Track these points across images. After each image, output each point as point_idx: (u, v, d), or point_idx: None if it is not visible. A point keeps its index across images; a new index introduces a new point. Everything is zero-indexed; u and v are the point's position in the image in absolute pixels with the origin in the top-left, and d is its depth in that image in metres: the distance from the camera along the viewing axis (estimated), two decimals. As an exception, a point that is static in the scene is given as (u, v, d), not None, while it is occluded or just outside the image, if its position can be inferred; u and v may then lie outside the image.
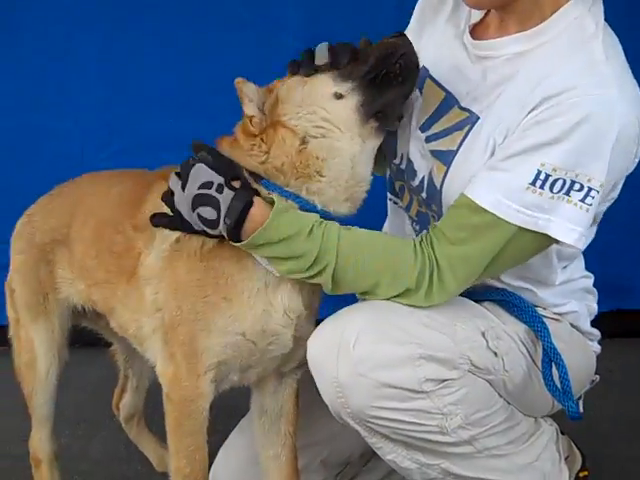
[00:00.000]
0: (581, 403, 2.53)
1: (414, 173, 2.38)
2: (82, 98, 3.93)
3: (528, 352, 2.35)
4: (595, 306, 2.57)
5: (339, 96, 2.18)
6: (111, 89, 3.94)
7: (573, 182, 2.08)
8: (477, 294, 2.35)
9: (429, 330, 2.16)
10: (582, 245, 2.15)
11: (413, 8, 2.54)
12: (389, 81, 2.17)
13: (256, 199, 2.16)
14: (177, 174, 2.22)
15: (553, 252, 2.34)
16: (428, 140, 2.33)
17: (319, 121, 2.19)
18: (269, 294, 2.23)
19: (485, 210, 2.13)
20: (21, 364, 2.74)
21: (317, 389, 2.24)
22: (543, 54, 2.20)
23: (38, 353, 2.68)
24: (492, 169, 2.16)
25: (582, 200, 2.09)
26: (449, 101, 2.33)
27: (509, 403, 2.34)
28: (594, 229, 2.36)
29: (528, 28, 2.24)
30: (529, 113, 2.13)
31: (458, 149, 2.26)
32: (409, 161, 2.39)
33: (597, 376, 2.56)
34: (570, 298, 2.47)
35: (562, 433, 2.59)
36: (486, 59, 2.30)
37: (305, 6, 3.87)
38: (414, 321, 2.16)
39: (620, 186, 2.27)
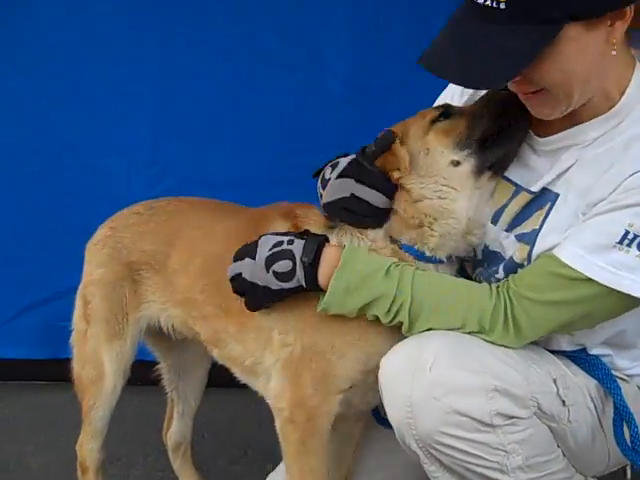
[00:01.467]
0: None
1: (492, 262, 2.37)
2: (131, 136, 4.01)
3: (595, 408, 2.32)
4: None
5: (456, 163, 2.26)
6: (160, 127, 4.02)
7: None
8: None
9: (504, 365, 2.14)
10: None
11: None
12: (502, 139, 2.25)
13: (329, 245, 2.28)
14: (236, 258, 2.33)
15: None
16: (509, 229, 2.33)
17: (438, 187, 2.28)
18: (394, 332, 2.26)
19: (567, 265, 2.12)
20: (84, 377, 2.74)
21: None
22: (619, 129, 2.19)
23: (107, 371, 2.70)
24: (578, 230, 2.16)
25: None
26: (518, 191, 2.33)
27: (564, 455, 2.30)
28: None
29: (600, 114, 2.22)
30: (617, 187, 2.11)
31: (541, 227, 2.25)
32: (486, 252, 2.39)
33: None
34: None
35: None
36: (558, 150, 2.28)
37: (349, 51, 3.93)
38: (491, 354, 2.15)
39: None
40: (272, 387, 2.40)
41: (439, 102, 2.59)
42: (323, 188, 2.36)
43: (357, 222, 2.33)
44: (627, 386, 2.38)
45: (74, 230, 3.65)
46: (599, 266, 2.09)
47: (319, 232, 2.37)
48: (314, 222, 2.42)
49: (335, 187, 2.31)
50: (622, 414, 2.27)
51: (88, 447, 2.81)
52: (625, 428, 2.27)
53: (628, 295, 2.10)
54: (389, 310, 2.19)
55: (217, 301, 2.49)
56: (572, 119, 2.24)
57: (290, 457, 2.37)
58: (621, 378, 2.38)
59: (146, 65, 3.97)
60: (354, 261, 2.23)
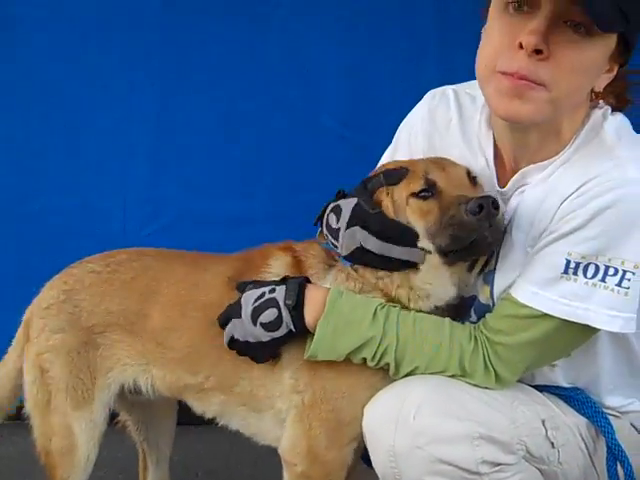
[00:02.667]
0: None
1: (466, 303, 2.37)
2: (125, 176, 4.00)
3: (587, 448, 2.29)
4: None
5: (428, 251, 2.23)
6: (154, 168, 4.01)
7: (607, 267, 2.06)
8: (538, 386, 2.32)
9: (489, 409, 2.12)
10: (629, 329, 2.10)
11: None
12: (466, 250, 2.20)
13: (311, 284, 2.28)
14: (221, 324, 2.33)
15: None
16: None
17: None
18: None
19: (523, 304, 2.14)
20: (53, 449, 2.56)
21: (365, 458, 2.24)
22: (560, 162, 2.21)
23: (79, 441, 2.53)
24: (528, 266, 2.17)
25: (618, 284, 2.06)
26: None
27: None
28: None
29: (549, 157, 2.23)
30: (554, 216, 2.14)
31: (495, 266, 2.27)
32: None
33: None
34: (634, 398, 2.40)
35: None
36: (511, 195, 2.29)
37: (345, 89, 3.95)
38: (475, 398, 2.13)
39: None
40: (284, 439, 2.36)
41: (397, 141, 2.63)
42: (333, 238, 2.31)
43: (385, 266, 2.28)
44: (619, 422, 2.35)
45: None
46: (552, 300, 2.10)
47: (320, 267, 2.37)
48: (313, 255, 2.41)
49: (347, 237, 2.27)
50: (615, 453, 2.24)
51: None
52: (619, 467, 2.24)
53: (585, 324, 2.10)
54: (375, 353, 2.18)
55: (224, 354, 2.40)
56: (519, 164, 2.27)
57: None
58: (613, 415, 2.35)
59: (142, 103, 3.96)
60: (340, 306, 2.21)
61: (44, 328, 2.56)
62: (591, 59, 2.08)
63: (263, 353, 2.32)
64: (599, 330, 2.15)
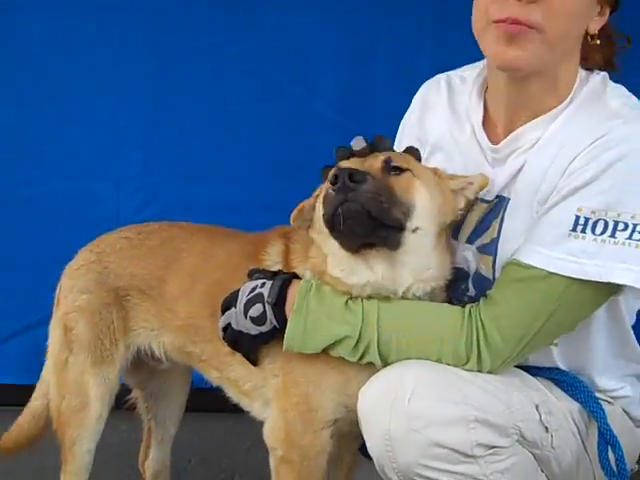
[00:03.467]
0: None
1: (460, 279, 2.36)
2: (120, 161, 3.99)
3: (579, 433, 2.31)
4: None
5: None
6: (149, 153, 3.99)
7: (616, 222, 2.06)
8: (531, 370, 2.32)
9: (485, 394, 2.12)
10: None
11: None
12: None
13: (296, 280, 2.28)
14: (223, 308, 2.34)
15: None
16: (470, 242, 2.34)
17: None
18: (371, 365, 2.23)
19: (526, 265, 2.12)
20: (65, 408, 2.63)
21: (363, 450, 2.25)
22: (561, 122, 2.23)
23: (92, 398, 2.60)
24: (533, 228, 2.16)
25: (629, 238, 2.06)
26: (474, 202, 2.33)
27: None
28: None
29: (540, 114, 2.25)
30: (563, 174, 2.14)
31: (499, 235, 2.26)
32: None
33: (637, 465, 2.48)
34: (625, 383, 2.42)
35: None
36: (506, 157, 2.30)
37: (340, 75, 3.93)
38: (470, 383, 2.13)
39: None
40: (266, 423, 2.40)
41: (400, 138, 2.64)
42: None
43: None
44: (611, 408, 2.37)
45: (62, 256, 3.64)
46: (559, 258, 2.08)
47: (300, 250, 2.39)
48: (297, 240, 2.43)
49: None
50: (606, 438, 2.25)
51: None
52: (610, 452, 2.26)
53: (596, 283, 2.08)
54: (355, 349, 2.17)
55: None
56: (515, 123, 2.28)
57: None
58: (605, 400, 2.37)
59: (136, 89, 3.95)
60: (308, 301, 2.22)
61: (72, 289, 2.66)
62: (582, 5, 2.15)
63: (251, 346, 2.33)
64: (611, 293, 2.15)
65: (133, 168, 3.99)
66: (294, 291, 2.25)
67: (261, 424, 2.45)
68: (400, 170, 2.19)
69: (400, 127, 2.66)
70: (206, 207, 3.84)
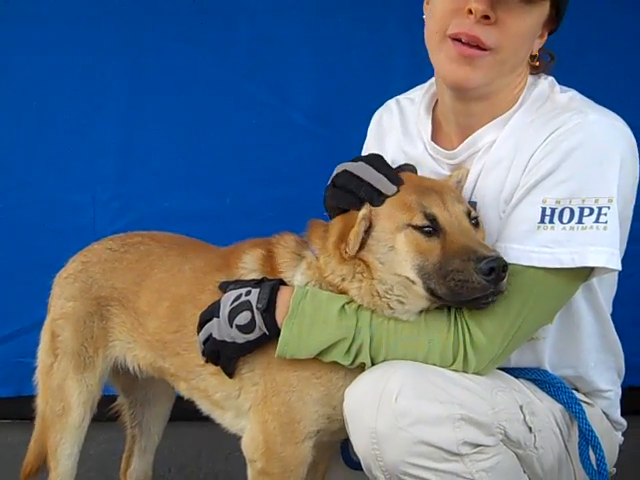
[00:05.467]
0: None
1: None
2: (95, 171, 3.98)
3: (561, 433, 2.33)
4: (620, 391, 2.54)
5: (412, 282, 2.18)
6: (124, 163, 3.99)
7: (582, 208, 2.12)
8: (514, 371, 2.35)
9: (470, 394, 2.14)
10: (615, 264, 2.13)
11: (423, 81, 2.61)
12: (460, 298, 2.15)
13: (284, 287, 2.28)
14: (203, 319, 2.34)
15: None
16: None
17: (390, 285, 2.21)
18: (355, 372, 2.23)
19: None
20: (49, 412, 2.68)
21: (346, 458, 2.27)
22: (515, 122, 2.30)
23: (74, 403, 2.65)
24: (503, 228, 2.22)
25: (596, 221, 2.11)
26: None
27: None
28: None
29: (493, 118, 2.33)
30: (524, 170, 2.20)
31: None
32: None
33: (614, 469, 2.51)
34: (614, 386, 2.47)
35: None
36: (462, 162, 2.36)
37: (314, 83, 3.95)
38: (456, 383, 2.15)
39: (634, 197, 2.29)
40: (245, 435, 2.39)
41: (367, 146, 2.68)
42: None
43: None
44: (592, 410, 2.40)
45: (38, 265, 3.65)
46: (532, 251, 2.14)
47: (287, 257, 2.38)
48: (283, 246, 2.42)
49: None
50: (588, 438, 2.29)
51: None
52: (591, 452, 2.29)
53: (571, 270, 2.13)
54: (348, 352, 2.19)
55: (191, 339, 2.46)
56: (470, 129, 2.34)
57: None
58: (586, 402, 2.40)
59: (111, 99, 3.95)
60: (304, 306, 2.22)
61: (60, 296, 2.73)
62: (531, 24, 2.25)
63: (234, 355, 2.32)
64: (583, 281, 2.20)
65: (109, 178, 3.99)
66: (284, 297, 2.25)
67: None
68: (475, 219, 2.24)
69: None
70: (181, 216, 3.85)
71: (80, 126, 3.95)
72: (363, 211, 2.20)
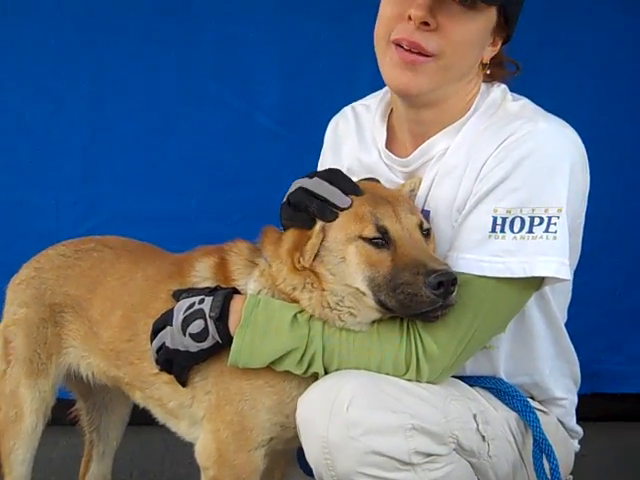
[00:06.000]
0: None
1: None
2: (58, 174, 3.95)
3: (515, 441, 2.34)
4: (576, 399, 2.55)
5: (363, 293, 2.17)
6: (88, 166, 3.96)
7: (532, 218, 2.13)
8: (470, 379, 2.36)
9: (422, 403, 2.14)
10: (564, 274, 2.14)
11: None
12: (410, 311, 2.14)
13: (237, 295, 2.27)
14: (156, 328, 2.33)
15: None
16: None
17: (340, 296, 2.20)
18: (308, 381, 2.23)
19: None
20: (3, 418, 2.67)
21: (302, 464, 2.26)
22: (466, 130, 2.30)
23: (26, 409, 2.65)
24: (455, 238, 2.22)
25: (546, 231, 2.12)
26: None
27: None
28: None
29: (446, 125, 2.33)
30: (476, 179, 2.20)
31: None
32: None
33: (571, 476, 2.53)
34: (570, 393, 2.49)
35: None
36: (416, 170, 2.37)
37: (280, 87, 3.95)
38: (408, 393, 2.14)
39: (585, 206, 2.31)
40: (198, 442, 2.38)
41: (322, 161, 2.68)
42: None
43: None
44: (547, 418, 2.41)
45: (1, 268, 3.61)
46: (483, 260, 2.14)
47: (240, 264, 2.37)
48: (236, 253, 2.40)
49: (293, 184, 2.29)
50: (541, 446, 2.29)
51: None
52: (545, 461, 2.29)
53: (522, 279, 2.14)
54: (301, 361, 2.18)
55: (145, 348, 2.45)
56: (422, 137, 2.34)
57: None
58: (541, 410, 2.41)
59: (74, 100, 3.92)
60: (256, 315, 2.21)
61: (13, 302, 2.72)
62: (475, 31, 2.23)
63: (186, 364, 2.31)
64: (534, 290, 2.21)
65: (72, 180, 3.96)
66: (237, 305, 2.24)
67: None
68: (427, 231, 2.23)
69: (319, 165, 2.70)
70: (147, 218, 3.83)
71: (43, 127, 3.93)
72: (320, 223, 2.20)
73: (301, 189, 2.23)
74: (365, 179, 2.37)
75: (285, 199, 2.27)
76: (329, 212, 2.20)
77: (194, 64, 3.92)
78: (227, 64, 3.92)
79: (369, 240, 2.16)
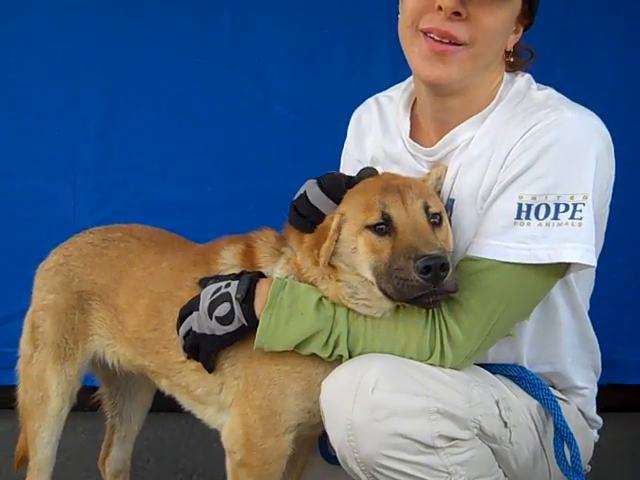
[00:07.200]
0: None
1: None
2: (75, 162, 3.97)
3: (537, 429, 2.35)
4: (596, 389, 2.56)
5: (371, 283, 2.20)
6: (104, 154, 3.98)
7: (557, 205, 2.13)
8: (492, 367, 2.36)
9: (446, 388, 2.15)
10: (590, 260, 2.14)
11: (406, 75, 2.60)
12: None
13: (263, 279, 2.30)
14: (183, 314, 2.35)
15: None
16: None
17: (355, 287, 2.23)
18: (334, 368, 2.23)
19: (478, 259, 2.18)
20: (29, 401, 2.71)
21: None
22: (492, 120, 2.31)
23: (52, 393, 2.68)
24: (480, 224, 2.23)
25: (571, 217, 2.13)
26: None
27: (505, 475, 2.32)
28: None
29: (472, 115, 2.34)
30: (501, 167, 2.21)
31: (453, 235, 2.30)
32: None
33: (589, 466, 2.52)
34: (591, 383, 2.49)
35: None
36: (441, 159, 2.38)
37: (296, 75, 3.94)
38: (432, 377, 2.16)
39: (609, 195, 2.31)
40: (225, 427, 2.40)
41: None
42: None
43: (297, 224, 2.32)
44: (568, 407, 2.42)
45: (18, 256, 3.63)
46: (508, 247, 2.15)
47: (267, 252, 2.40)
48: (263, 241, 2.43)
49: (304, 186, 2.32)
50: (563, 434, 2.30)
51: None
52: (566, 448, 2.30)
53: (547, 266, 2.14)
54: (326, 344, 2.20)
55: (171, 337, 2.46)
56: (447, 126, 2.36)
57: None
58: (562, 399, 2.42)
59: (91, 89, 3.93)
60: (282, 298, 2.23)
61: (42, 288, 2.74)
62: (504, 19, 2.26)
63: (213, 348, 2.32)
64: (559, 277, 2.22)
65: (89, 168, 3.98)
66: (263, 288, 2.26)
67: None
68: (437, 217, 2.22)
69: (342, 155, 2.72)
70: (162, 207, 3.84)
71: (61, 115, 3.94)
72: (334, 225, 2.22)
73: (304, 197, 2.28)
74: (364, 169, 2.37)
75: (292, 203, 2.32)
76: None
77: (211, 52, 3.92)
78: (244, 52, 3.93)
79: (373, 228, 2.18)
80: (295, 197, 2.32)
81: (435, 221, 2.21)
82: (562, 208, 2.13)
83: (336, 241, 2.22)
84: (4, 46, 3.90)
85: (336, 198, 2.28)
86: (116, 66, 3.93)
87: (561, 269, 2.20)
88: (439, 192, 2.35)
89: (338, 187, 2.29)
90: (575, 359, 2.43)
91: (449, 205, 2.32)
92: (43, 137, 3.96)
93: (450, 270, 2.08)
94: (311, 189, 2.29)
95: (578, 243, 2.13)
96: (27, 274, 2.80)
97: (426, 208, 2.20)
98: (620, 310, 3.87)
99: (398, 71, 2.63)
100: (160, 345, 2.52)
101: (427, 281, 2.06)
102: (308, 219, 2.28)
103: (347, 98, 2.74)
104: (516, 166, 2.17)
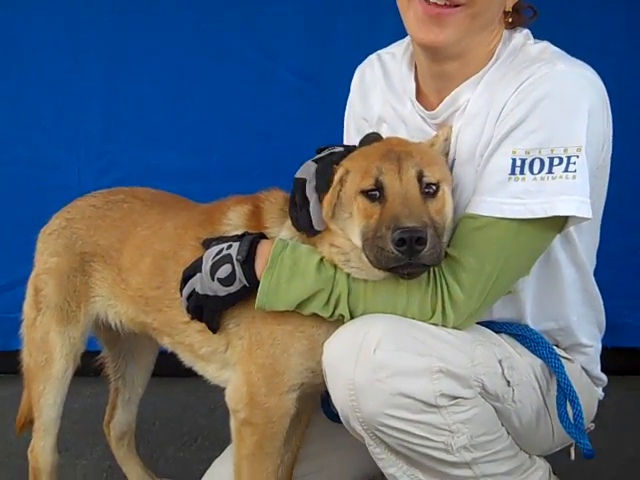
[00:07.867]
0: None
1: None
2: (79, 130, 3.98)
3: (540, 388, 2.36)
4: (600, 347, 2.56)
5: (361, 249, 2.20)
6: (108, 121, 3.98)
7: (551, 159, 2.12)
8: (496, 326, 2.37)
9: (449, 347, 2.16)
10: (586, 212, 2.13)
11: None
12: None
13: (264, 240, 2.30)
14: (187, 275, 2.36)
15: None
16: None
17: (347, 250, 2.24)
18: (337, 328, 2.24)
19: (475, 216, 2.18)
20: (33, 364, 2.74)
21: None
22: (489, 78, 2.31)
23: (56, 355, 2.70)
24: (477, 182, 2.22)
25: (565, 170, 2.12)
26: None
27: (509, 434, 2.33)
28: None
29: (470, 76, 2.33)
30: (496, 122, 2.21)
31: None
32: None
33: (593, 424, 2.53)
34: (594, 341, 2.49)
35: (554, 473, 2.55)
36: (445, 120, 2.37)
37: (302, 42, 3.93)
38: (435, 336, 2.16)
39: (608, 149, 2.29)
40: (228, 386, 2.41)
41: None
42: None
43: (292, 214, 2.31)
44: (571, 366, 2.42)
45: (23, 222, 3.64)
46: (503, 203, 2.14)
47: (275, 213, 2.40)
48: (271, 202, 2.43)
49: (303, 167, 2.30)
50: (566, 392, 2.30)
51: (40, 445, 2.78)
52: (568, 406, 2.31)
53: (543, 220, 2.13)
54: (327, 304, 2.20)
55: (174, 296, 2.48)
56: (447, 90, 2.34)
57: (243, 459, 2.37)
58: (565, 358, 2.42)
59: (95, 57, 3.93)
60: (283, 258, 2.23)
61: (44, 252, 2.76)
62: None
63: (216, 309, 2.34)
64: (557, 232, 2.21)
65: (93, 135, 3.98)
66: (264, 249, 2.27)
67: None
68: (433, 186, 2.20)
69: (346, 112, 2.71)
70: (167, 174, 3.84)
71: (64, 83, 3.93)
72: (337, 177, 2.21)
73: (300, 181, 2.26)
74: (368, 135, 2.35)
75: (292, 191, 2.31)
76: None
77: (215, 19, 3.90)
78: (248, 18, 3.91)
79: (366, 193, 2.17)
80: (293, 183, 2.30)
81: (429, 191, 2.19)
82: (556, 161, 2.12)
83: (338, 196, 2.22)
84: (7, 16, 3.89)
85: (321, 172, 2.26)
86: (121, 34, 3.92)
87: (559, 223, 2.19)
88: (447, 154, 2.34)
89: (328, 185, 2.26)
90: (580, 317, 2.43)
91: (450, 166, 2.31)
92: (47, 106, 3.96)
93: (428, 244, 2.06)
94: (306, 172, 2.27)
95: (573, 196, 2.12)
96: (31, 241, 2.81)
97: (420, 178, 2.18)
98: (623, 274, 3.86)
99: (403, 36, 2.62)
100: (163, 304, 2.53)
101: (402, 253, 2.06)
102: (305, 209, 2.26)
103: (353, 65, 2.72)
104: (510, 120, 2.16)
